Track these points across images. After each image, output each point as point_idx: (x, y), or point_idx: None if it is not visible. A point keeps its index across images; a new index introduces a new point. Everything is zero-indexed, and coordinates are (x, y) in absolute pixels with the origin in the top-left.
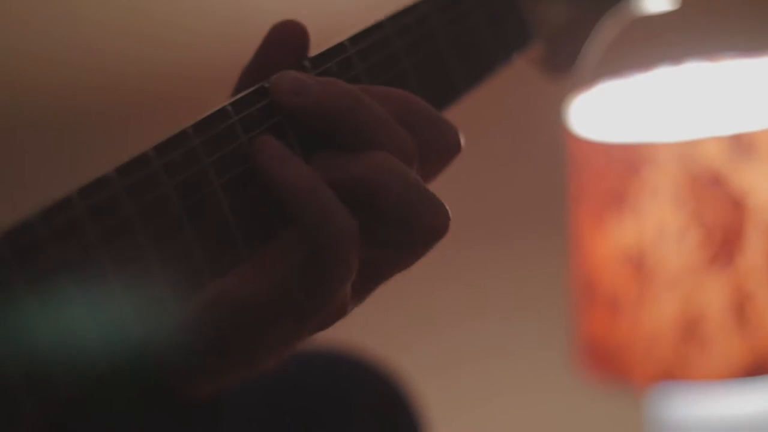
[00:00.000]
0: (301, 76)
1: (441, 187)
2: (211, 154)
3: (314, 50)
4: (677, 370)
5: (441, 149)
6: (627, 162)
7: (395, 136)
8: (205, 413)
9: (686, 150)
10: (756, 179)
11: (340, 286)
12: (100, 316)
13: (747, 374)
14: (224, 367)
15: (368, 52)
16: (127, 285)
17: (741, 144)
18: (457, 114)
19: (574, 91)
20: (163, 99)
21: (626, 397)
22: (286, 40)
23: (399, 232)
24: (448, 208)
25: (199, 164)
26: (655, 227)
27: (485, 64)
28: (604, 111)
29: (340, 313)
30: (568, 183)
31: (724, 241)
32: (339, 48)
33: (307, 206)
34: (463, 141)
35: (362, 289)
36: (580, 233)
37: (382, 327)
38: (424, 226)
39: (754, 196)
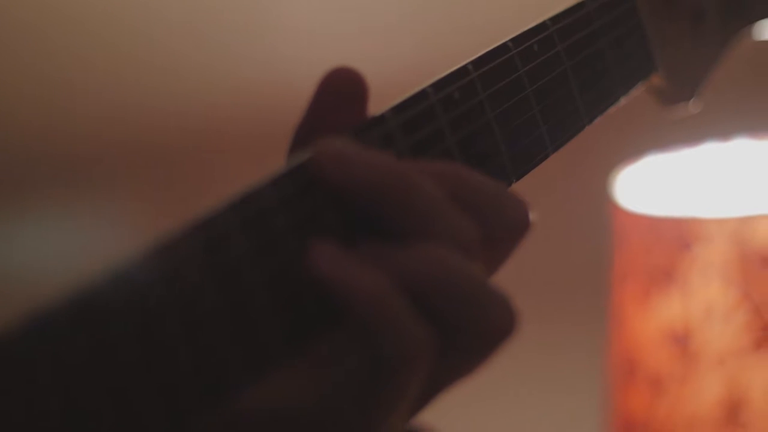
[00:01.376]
0: (345, 148)
1: None
2: (251, 239)
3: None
4: None
5: (508, 228)
6: (676, 237)
7: (452, 222)
8: None
9: (738, 227)
10: None
11: (399, 406)
12: None
13: None
14: None
15: (452, 99)
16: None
17: None
18: None
19: (621, 164)
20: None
21: None
22: (340, 90)
23: (461, 338)
24: (513, 304)
25: (238, 248)
26: (703, 306)
27: (609, 95)
28: (652, 185)
29: (394, 429)
30: (612, 257)
31: None
32: (379, 120)
33: (378, 316)
34: (533, 216)
35: (420, 400)
36: (624, 309)
37: None
38: (487, 328)
39: None
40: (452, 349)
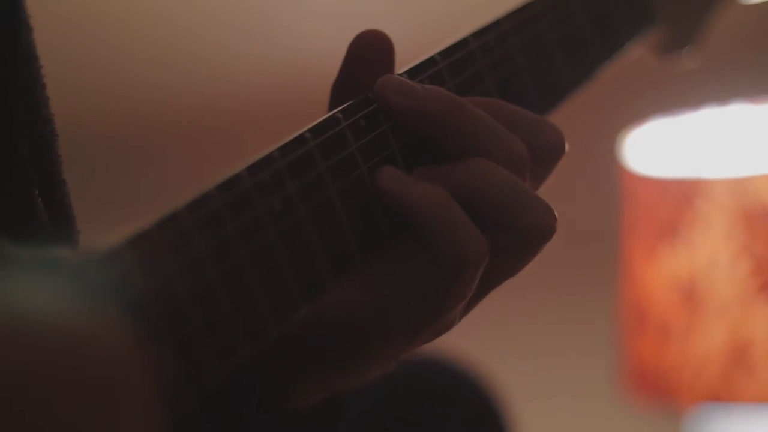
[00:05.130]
0: (406, 79)
1: None
2: (326, 160)
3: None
4: (723, 393)
5: (546, 151)
6: (680, 195)
7: (503, 140)
8: (318, 419)
9: (739, 185)
10: None
11: (458, 304)
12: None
13: None
14: (326, 380)
15: (458, 66)
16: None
17: None
18: None
19: (627, 127)
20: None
21: (671, 419)
22: (370, 50)
23: (506, 237)
24: (552, 209)
25: (315, 169)
26: (707, 257)
27: (614, 44)
28: (657, 147)
29: (449, 327)
30: (621, 215)
31: None
32: (430, 62)
33: (437, 224)
34: (566, 142)
35: (472, 299)
36: (633, 263)
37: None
38: (529, 228)
39: None
40: (502, 249)
